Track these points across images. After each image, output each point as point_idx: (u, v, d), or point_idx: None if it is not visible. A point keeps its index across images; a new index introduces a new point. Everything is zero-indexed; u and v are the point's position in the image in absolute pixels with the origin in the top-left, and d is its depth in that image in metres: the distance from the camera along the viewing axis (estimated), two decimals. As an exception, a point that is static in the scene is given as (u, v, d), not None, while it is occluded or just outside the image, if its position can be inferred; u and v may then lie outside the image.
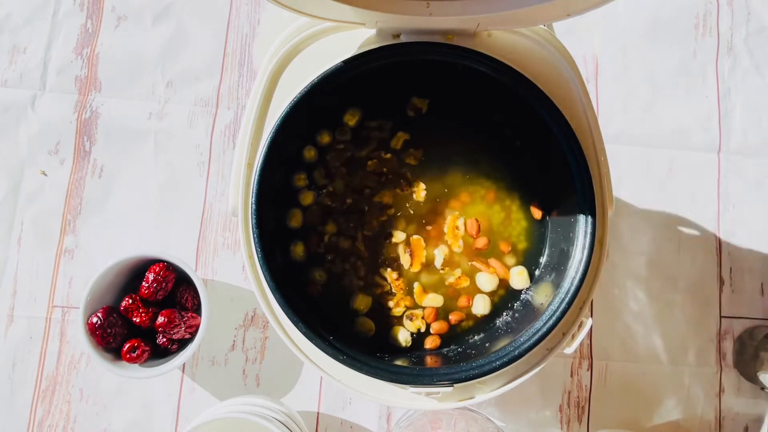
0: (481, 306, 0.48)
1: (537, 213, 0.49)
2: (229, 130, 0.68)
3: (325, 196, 0.49)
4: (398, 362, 0.45)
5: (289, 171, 0.49)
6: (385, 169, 0.50)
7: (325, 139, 0.50)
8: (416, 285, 0.49)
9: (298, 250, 0.49)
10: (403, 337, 0.48)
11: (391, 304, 0.49)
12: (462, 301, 0.49)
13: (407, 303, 0.49)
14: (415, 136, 0.50)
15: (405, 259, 0.49)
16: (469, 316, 0.49)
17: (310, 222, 0.49)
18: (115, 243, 0.65)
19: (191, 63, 0.69)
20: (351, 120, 0.50)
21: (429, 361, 0.46)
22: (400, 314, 0.49)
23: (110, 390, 0.62)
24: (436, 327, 0.49)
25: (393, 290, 0.49)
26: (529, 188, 0.50)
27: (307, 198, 0.49)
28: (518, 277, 0.48)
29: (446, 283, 0.49)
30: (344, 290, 0.49)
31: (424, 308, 0.49)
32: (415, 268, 0.49)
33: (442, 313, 0.49)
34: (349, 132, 0.50)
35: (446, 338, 0.49)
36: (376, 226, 0.50)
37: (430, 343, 0.48)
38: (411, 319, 0.48)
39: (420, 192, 0.49)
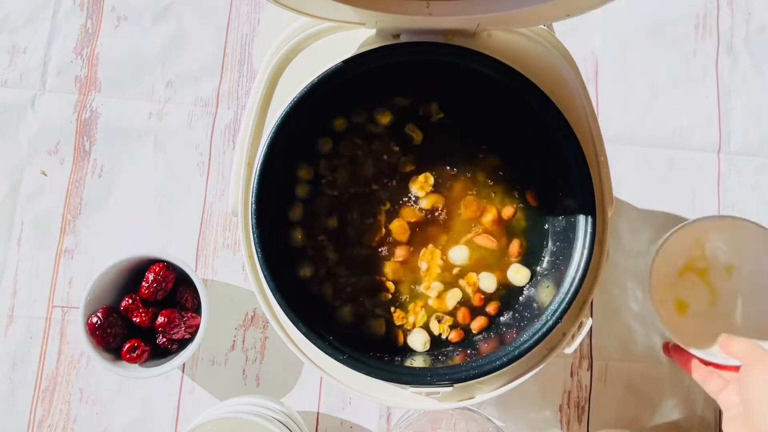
0: (489, 283, 0.49)
1: (532, 201, 0.50)
2: (229, 130, 0.68)
3: (326, 186, 0.49)
4: (411, 362, 0.45)
5: (293, 163, 0.49)
6: (386, 156, 0.50)
7: (341, 125, 0.50)
8: (431, 300, 0.49)
9: (297, 236, 0.48)
10: (422, 339, 0.48)
11: (411, 308, 0.49)
12: (475, 300, 0.49)
13: (433, 309, 0.49)
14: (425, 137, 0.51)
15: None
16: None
17: (312, 214, 0.49)
18: (115, 243, 0.65)
19: (191, 63, 0.69)
20: (384, 119, 0.50)
21: (430, 361, 0.46)
22: (423, 321, 0.49)
23: (110, 390, 0.62)
24: (476, 325, 0.48)
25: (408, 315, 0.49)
26: (529, 189, 0.50)
27: (303, 190, 0.49)
28: (516, 276, 0.48)
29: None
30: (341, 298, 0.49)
31: (454, 311, 0.49)
32: (426, 285, 0.49)
33: (473, 309, 0.49)
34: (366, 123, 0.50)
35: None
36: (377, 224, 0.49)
37: (456, 336, 0.48)
38: (440, 321, 0.48)
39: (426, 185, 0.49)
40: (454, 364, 0.44)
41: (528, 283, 0.49)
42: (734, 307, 0.52)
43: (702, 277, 0.53)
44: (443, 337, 0.48)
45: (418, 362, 0.45)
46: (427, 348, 0.48)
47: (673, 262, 0.53)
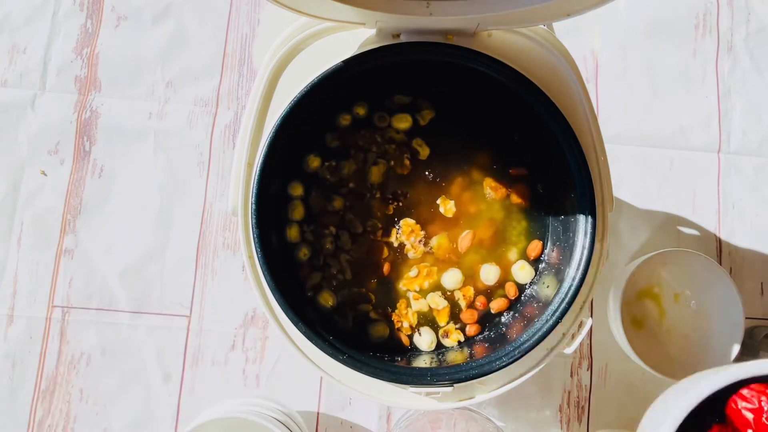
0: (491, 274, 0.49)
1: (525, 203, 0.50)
2: (229, 130, 0.68)
3: (327, 171, 0.49)
4: (419, 363, 0.45)
5: (294, 161, 0.49)
6: (393, 163, 0.50)
7: (361, 111, 0.50)
8: (415, 304, 0.49)
9: (293, 233, 0.48)
10: (429, 340, 0.48)
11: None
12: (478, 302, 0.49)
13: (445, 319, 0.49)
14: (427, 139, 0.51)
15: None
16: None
17: (311, 210, 0.49)
18: (115, 243, 0.65)
19: (191, 63, 0.69)
20: (403, 125, 0.50)
21: (431, 361, 0.46)
22: (415, 322, 0.49)
23: (110, 390, 0.62)
24: (495, 306, 0.48)
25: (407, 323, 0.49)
26: (528, 187, 0.50)
27: (302, 189, 0.49)
28: (521, 272, 0.48)
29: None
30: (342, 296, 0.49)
31: (458, 314, 0.49)
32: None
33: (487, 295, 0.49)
34: (388, 119, 0.50)
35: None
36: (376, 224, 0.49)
37: (474, 330, 0.48)
38: (447, 336, 0.48)
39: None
40: (454, 364, 0.44)
41: (530, 281, 0.49)
42: (678, 326, 0.61)
43: (655, 301, 0.62)
44: (459, 341, 0.48)
45: (419, 362, 0.45)
46: (433, 348, 0.48)
47: (635, 286, 0.62)
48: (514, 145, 0.50)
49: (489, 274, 0.48)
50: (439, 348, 0.48)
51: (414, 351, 0.48)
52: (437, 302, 0.48)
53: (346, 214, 0.49)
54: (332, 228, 0.49)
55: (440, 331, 0.48)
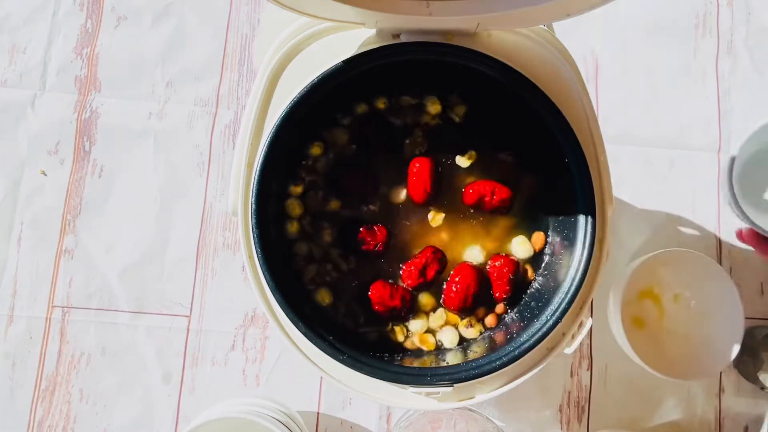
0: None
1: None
2: (229, 130, 0.68)
3: (328, 164, 0.49)
4: (419, 363, 0.45)
5: (295, 157, 0.49)
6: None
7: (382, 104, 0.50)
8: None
9: (292, 229, 0.48)
10: (450, 338, 0.48)
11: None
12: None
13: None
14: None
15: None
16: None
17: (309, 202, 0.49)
18: (115, 243, 0.65)
19: (191, 63, 0.69)
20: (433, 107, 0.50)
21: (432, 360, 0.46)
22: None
23: (110, 390, 0.62)
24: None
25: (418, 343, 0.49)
26: (528, 187, 0.50)
27: (301, 188, 0.49)
28: (520, 246, 0.48)
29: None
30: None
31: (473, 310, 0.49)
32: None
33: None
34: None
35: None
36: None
37: (491, 320, 0.49)
38: (471, 326, 0.48)
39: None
40: (454, 364, 0.44)
41: (531, 254, 0.49)
42: (678, 326, 0.62)
43: (655, 301, 0.63)
44: (479, 332, 0.49)
45: (419, 362, 0.45)
46: (457, 343, 0.48)
47: (635, 286, 0.62)
48: (513, 147, 0.50)
49: (522, 249, 0.49)
50: (462, 342, 0.48)
51: (415, 351, 0.48)
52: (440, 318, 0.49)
53: (344, 216, 0.49)
54: (330, 230, 0.49)
55: (459, 326, 0.48)
